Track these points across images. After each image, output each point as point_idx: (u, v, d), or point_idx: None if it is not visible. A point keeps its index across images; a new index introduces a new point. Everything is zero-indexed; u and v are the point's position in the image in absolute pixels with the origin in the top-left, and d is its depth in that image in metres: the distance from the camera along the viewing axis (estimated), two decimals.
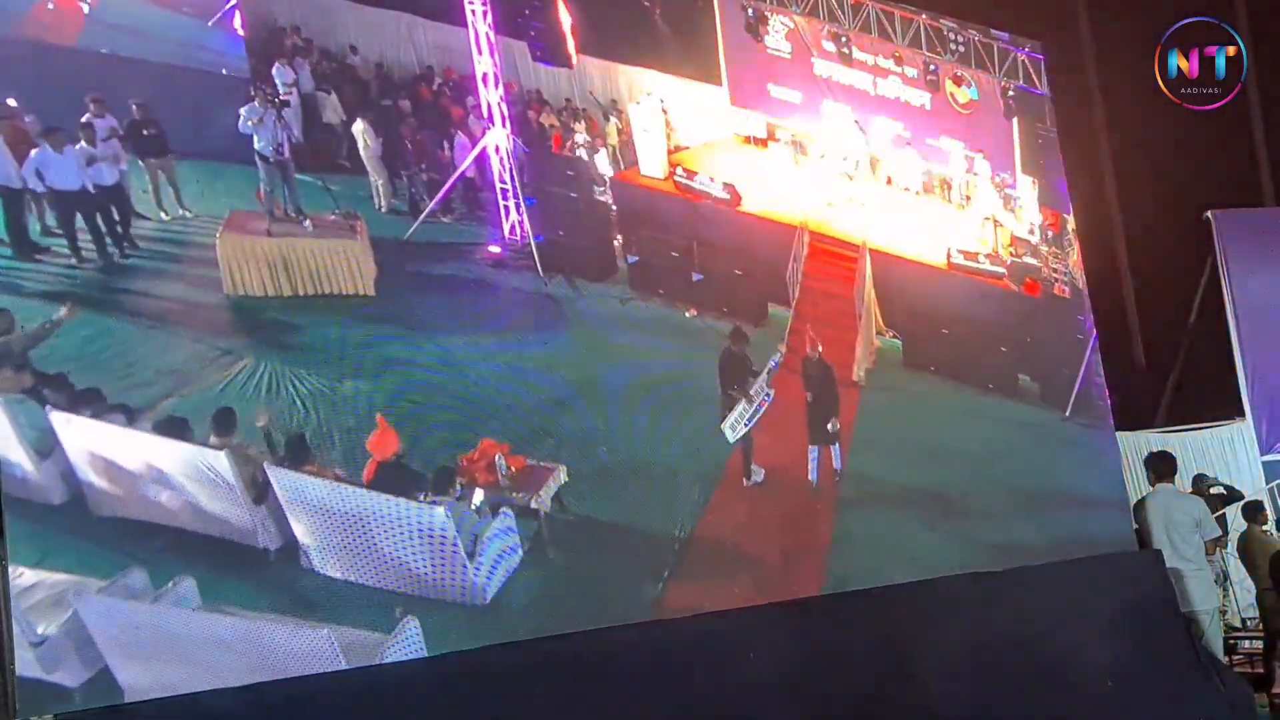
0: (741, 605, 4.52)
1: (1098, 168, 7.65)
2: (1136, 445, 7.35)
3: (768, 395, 5.85)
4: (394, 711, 3.33)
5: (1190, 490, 6.85)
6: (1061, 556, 6.52)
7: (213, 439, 3.71)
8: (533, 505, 4.63)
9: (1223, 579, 6.59)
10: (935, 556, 6.12)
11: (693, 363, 5.72)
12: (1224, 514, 6.92)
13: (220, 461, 3.70)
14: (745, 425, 5.70)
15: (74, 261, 3.46)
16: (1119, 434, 6.61)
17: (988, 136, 7.79)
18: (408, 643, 3.84)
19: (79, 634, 3.18)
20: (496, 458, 4.61)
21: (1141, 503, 5.84)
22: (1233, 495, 7.05)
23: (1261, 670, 7.04)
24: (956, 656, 4.56)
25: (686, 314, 5.85)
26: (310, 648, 3.49)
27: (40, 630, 3.13)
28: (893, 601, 4.84)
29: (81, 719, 2.95)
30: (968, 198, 8.07)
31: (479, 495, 4.41)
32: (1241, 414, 7.72)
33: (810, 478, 5.59)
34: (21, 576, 3.17)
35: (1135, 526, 6.06)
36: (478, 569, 4.21)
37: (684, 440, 5.41)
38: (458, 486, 4.35)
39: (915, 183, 8.01)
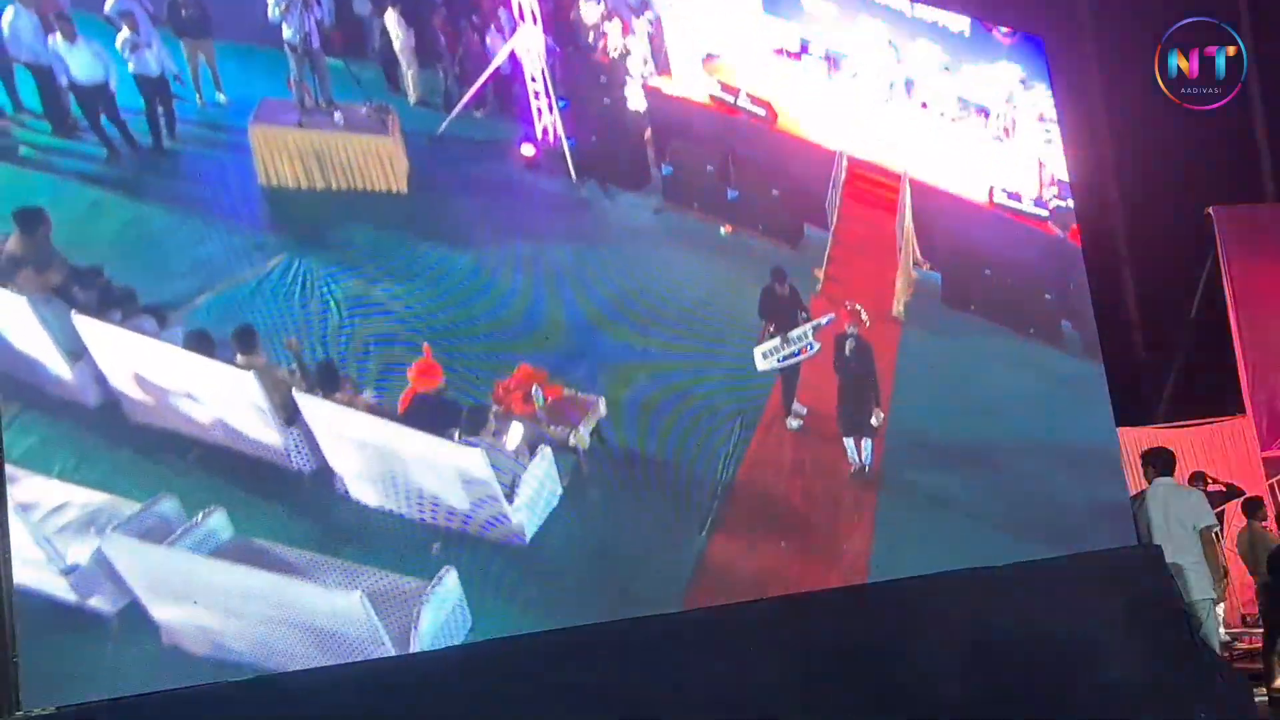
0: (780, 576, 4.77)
1: (1099, 164, 8.15)
2: (1137, 441, 7.90)
3: (811, 345, 6.14)
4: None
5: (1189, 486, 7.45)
6: (1104, 518, 7.09)
7: (239, 358, 3.82)
8: (571, 442, 4.84)
9: (1222, 574, 7.13)
10: (979, 512, 6.57)
11: (731, 285, 5.97)
12: (1223, 510, 7.61)
13: (249, 382, 3.82)
14: (778, 361, 5.98)
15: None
16: (1120, 430, 7.25)
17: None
18: (445, 597, 4.03)
19: (110, 564, 3.31)
20: (533, 389, 4.79)
21: (1140, 498, 6.38)
22: (1232, 492, 7.77)
23: (1260, 666, 7.74)
24: (955, 653, 4.92)
25: (722, 230, 6.10)
26: (342, 609, 3.65)
27: (70, 559, 3.24)
28: (891, 597, 5.21)
29: (87, 711, 2.99)
30: (1006, 130, 8.41)
31: (516, 432, 4.60)
32: (1242, 410, 8.37)
33: (860, 460, 5.92)
34: (52, 494, 3.28)
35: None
36: (516, 510, 4.41)
37: (724, 369, 5.68)
38: (493, 421, 4.52)
39: (951, 109, 8.31)
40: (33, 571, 3.17)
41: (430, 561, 4.07)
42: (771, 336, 5.98)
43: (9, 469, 3.18)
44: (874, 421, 6.24)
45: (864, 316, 6.30)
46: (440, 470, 4.24)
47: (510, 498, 4.42)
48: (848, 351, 6.20)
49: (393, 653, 3.73)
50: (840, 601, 5.04)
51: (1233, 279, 8.62)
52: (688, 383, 5.44)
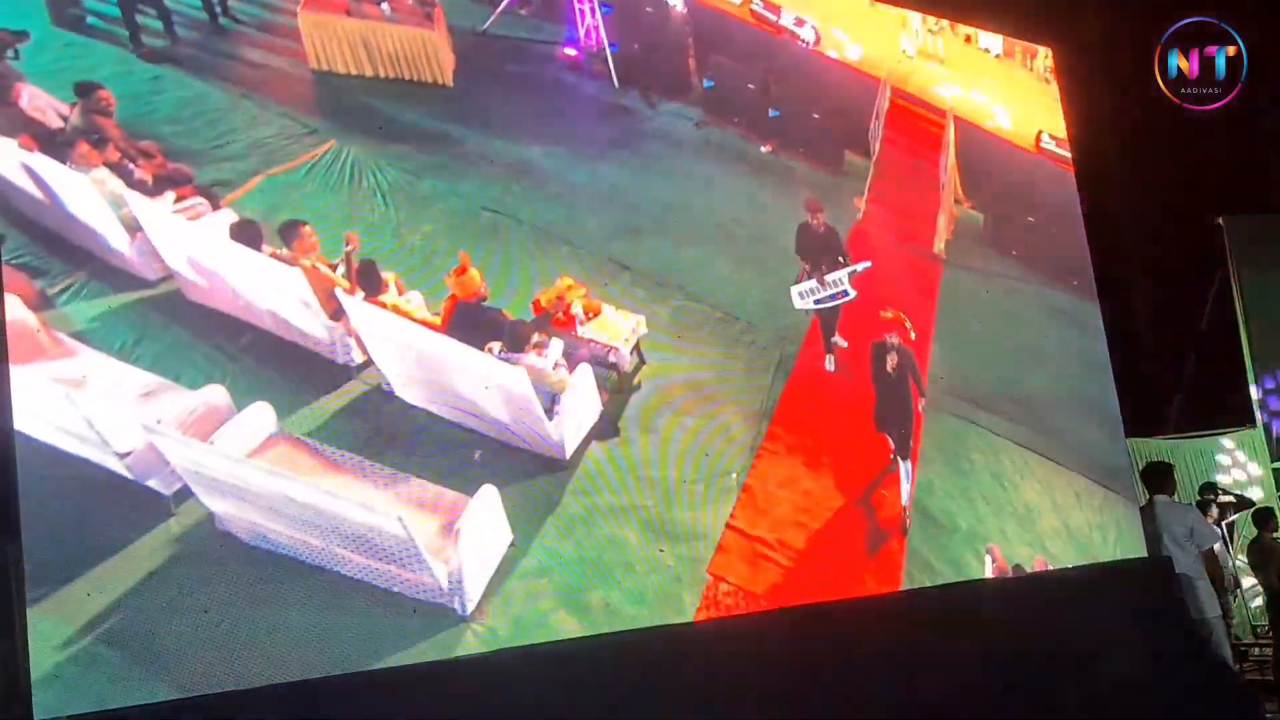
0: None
1: (1108, 172, 8.54)
2: (1146, 452, 8.43)
3: (846, 291, 6.45)
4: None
5: (1199, 498, 7.99)
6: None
7: (285, 251, 4.11)
8: (611, 359, 5.15)
9: (1233, 586, 7.52)
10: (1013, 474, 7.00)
11: (773, 208, 6.29)
12: (1234, 521, 8.09)
13: (295, 277, 4.11)
14: (814, 303, 6.29)
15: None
16: (1129, 441, 7.68)
17: None
18: (487, 508, 4.34)
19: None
20: (574, 305, 5.09)
21: (1147, 510, 6.82)
22: (1242, 503, 8.16)
23: (1272, 677, 8.11)
24: (965, 664, 5.18)
25: (763, 149, 6.40)
26: (381, 526, 3.96)
27: (126, 443, 3.54)
28: (901, 609, 5.57)
29: None
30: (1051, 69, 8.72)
31: (556, 348, 4.90)
32: (1252, 421, 8.80)
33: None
34: (112, 372, 3.57)
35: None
36: (556, 427, 4.72)
37: (763, 295, 6.01)
38: (534, 336, 4.82)
39: (996, 45, 8.61)
40: (95, 450, 3.47)
41: (471, 469, 4.37)
42: (809, 277, 6.30)
43: (73, 342, 3.48)
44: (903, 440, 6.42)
45: (909, 326, 6.58)
46: (481, 380, 4.54)
47: (550, 414, 4.73)
48: (889, 367, 6.36)
49: (429, 569, 4.02)
50: (857, 612, 5.34)
51: (1243, 290, 9.07)
52: (727, 304, 5.76)
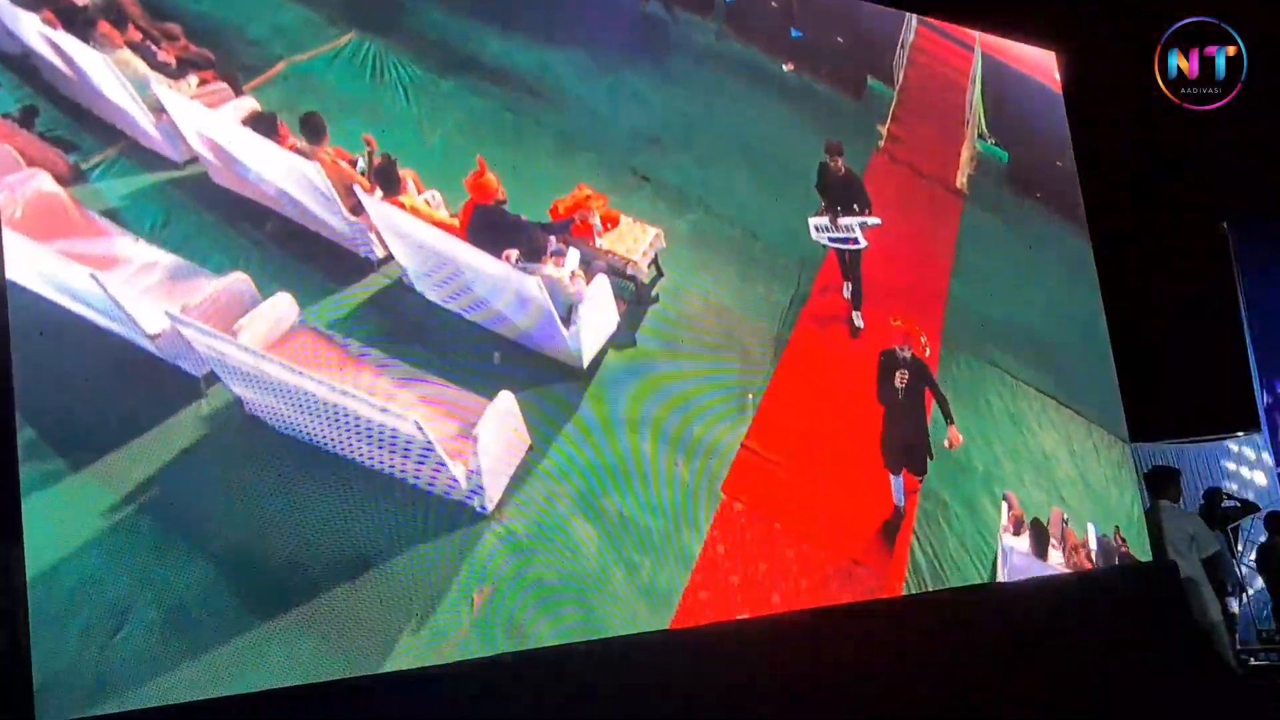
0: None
1: (1112, 176, 8.93)
2: (1150, 456, 8.84)
3: (856, 239, 6.79)
4: None
5: (1203, 504, 8.36)
6: None
7: (305, 144, 4.41)
8: (629, 272, 5.48)
9: (1238, 590, 7.96)
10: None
11: (793, 130, 6.62)
12: (1239, 526, 8.48)
13: (313, 170, 4.41)
14: (827, 240, 6.63)
15: None
16: (1133, 445, 8.04)
17: None
18: (505, 412, 4.67)
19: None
20: (592, 215, 5.40)
21: (1147, 517, 7.24)
22: (1247, 508, 8.52)
23: None
24: (970, 668, 5.48)
25: (785, 67, 6.72)
26: (398, 427, 4.27)
27: (155, 325, 3.85)
28: (905, 612, 5.80)
29: None
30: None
31: (573, 257, 5.22)
32: (1257, 426, 9.24)
33: (896, 502, 6.25)
34: (141, 253, 3.88)
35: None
36: (574, 336, 5.05)
37: (784, 218, 6.34)
38: (551, 244, 5.14)
39: None
40: (125, 329, 3.78)
41: (491, 370, 4.70)
42: (825, 213, 6.64)
43: (105, 221, 3.78)
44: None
45: (924, 342, 6.78)
46: (498, 286, 4.86)
47: (567, 323, 5.05)
48: (897, 382, 6.53)
49: (448, 469, 4.35)
50: (859, 615, 5.56)
51: (1247, 294, 9.59)
52: (747, 223, 6.09)
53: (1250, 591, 8.43)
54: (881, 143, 7.50)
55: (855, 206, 6.86)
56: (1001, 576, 6.62)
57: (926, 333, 7.07)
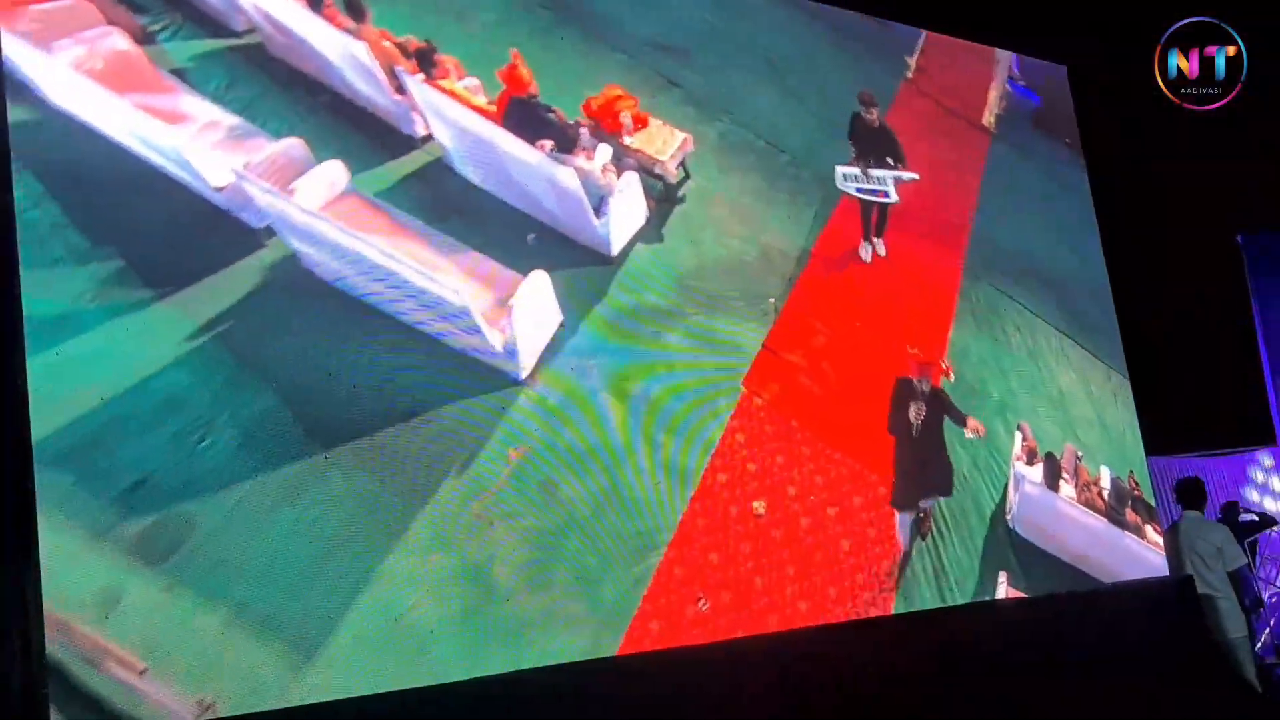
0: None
1: (1124, 188, 9.44)
2: (1166, 470, 9.15)
3: (887, 193, 7.39)
4: None
5: (1220, 518, 8.51)
6: None
7: (350, 23, 5.03)
8: (657, 171, 6.09)
9: (1256, 605, 7.98)
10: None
11: (819, 52, 7.25)
12: (1256, 540, 8.75)
13: (362, 50, 5.02)
14: (855, 190, 7.24)
15: None
16: (1150, 458, 8.51)
17: None
18: (538, 289, 5.28)
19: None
20: (623, 114, 6.02)
21: (1174, 529, 7.47)
22: (1265, 521, 8.83)
23: None
24: (985, 685, 5.79)
25: None
26: (442, 295, 4.88)
27: (218, 178, 4.46)
28: (921, 628, 6.13)
29: None
30: None
31: (604, 153, 5.83)
32: (1273, 439, 9.61)
33: (901, 543, 6.48)
34: (206, 112, 4.49)
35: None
36: (603, 226, 5.67)
37: (808, 134, 6.97)
38: (584, 139, 5.75)
39: None
40: (191, 180, 4.39)
41: (525, 250, 5.32)
42: (856, 163, 7.25)
43: (172, 79, 4.39)
44: (922, 504, 6.76)
45: (946, 365, 7.18)
46: (533, 173, 5.47)
47: (598, 213, 5.67)
48: (911, 416, 6.86)
49: (485, 335, 4.96)
50: (871, 632, 5.90)
51: (1263, 307, 9.92)
52: (771, 137, 6.71)
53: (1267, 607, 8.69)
54: (909, 74, 8.12)
55: (888, 159, 7.46)
56: (1012, 502, 7.23)
57: (948, 259, 7.70)
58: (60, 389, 3.79)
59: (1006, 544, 7.03)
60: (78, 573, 3.63)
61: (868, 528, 6.14)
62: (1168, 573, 7.58)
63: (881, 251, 7.27)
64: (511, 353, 5.02)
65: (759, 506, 5.67)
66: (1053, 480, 7.63)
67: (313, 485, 4.21)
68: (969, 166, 8.39)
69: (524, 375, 5.06)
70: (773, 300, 6.37)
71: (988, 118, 8.74)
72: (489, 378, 4.95)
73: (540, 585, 4.70)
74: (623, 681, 4.73)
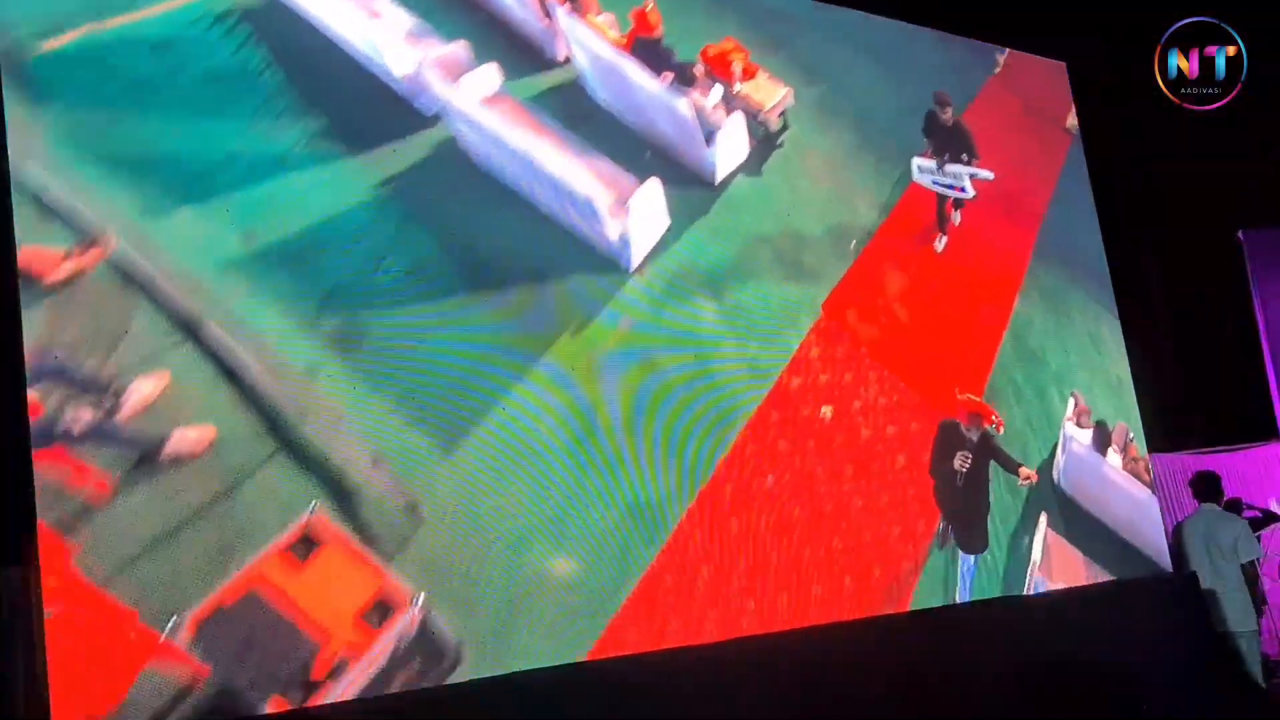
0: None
1: (1127, 185, 9.90)
2: (1170, 467, 9.33)
3: (964, 188, 8.22)
4: None
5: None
6: None
7: None
8: (760, 117, 7.07)
9: (1261, 602, 8.32)
10: None
11: (919, 39, 8.22)
12: (1259, 537, 8.57)
13: None
14: (929, 182, 8.12)
15: None
16: (1153, 456, 8.84)
17: None
18: (652, 195, 6.25)
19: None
20: (735, 64, 7.01)
21: (1181, 525, 7.74)
22: (1269, 517, 8.95)
23: None
24: (989, 684, 6.02)
25: None
26: (573, 186, 5.88)
27: (401, 68, 5.51)
28: (924, 627, 6.39)
29: None
30: None
31: (716, 93, 6.82)
32: (1276, 435, 9.85)
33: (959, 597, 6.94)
34: (392, 11, 5.56)
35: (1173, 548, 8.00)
36: (711, 154, 6.65)
37: (896, 109, 7.91)
38: (700, 79, 6.75)
39: None
40: (377, 66, 5.45)
41: (642, 164, 6.30)
42: (931, 157, 8.14)
43: None
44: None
45: (996, 419, 7.58)
46: (654, 101, 6.47)
47: (707, 143, 6.66)
48: (958, 465, 7.21)
49: (605, 227, 5.94)
50: (880, 630, 6.20)
51: (1264, 304, 10.17)
52: (866, 104, 7.69)
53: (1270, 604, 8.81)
54: (998, 70, 9.04)
55: (964, 156, 8.29)
56: (1059, 462, 8.03)
57: (1021, 238, 8.55)
58: (278, 212, 4.85)
59: (1050, 494, 7.83)
60: (289, 350, 4.67)
61: (922, 451, 7.00)
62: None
63: (957, 221, 8.12)
64: (625, 243, 5.99)
65: (827, 411, 6.56)
66: (1101, 447, 8.40)
67: (459, 316, 5.23)
68: (1049, 161, 9.23)
69: (633, 266, 6.03)
70: (854, 243, 7.29)
71: (1071, 121, 9.56)
72: (604, 263, 5.93)
73: (635, 459, 5.64)
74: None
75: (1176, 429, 9.57)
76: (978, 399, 7.48)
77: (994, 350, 7.88)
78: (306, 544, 4.11)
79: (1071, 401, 8.35)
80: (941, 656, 5.95)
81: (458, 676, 4.45)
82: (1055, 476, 7.92)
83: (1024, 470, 7.42)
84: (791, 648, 5.60)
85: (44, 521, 3.81)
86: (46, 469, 3.91)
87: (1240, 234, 10.14)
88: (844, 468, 6.44)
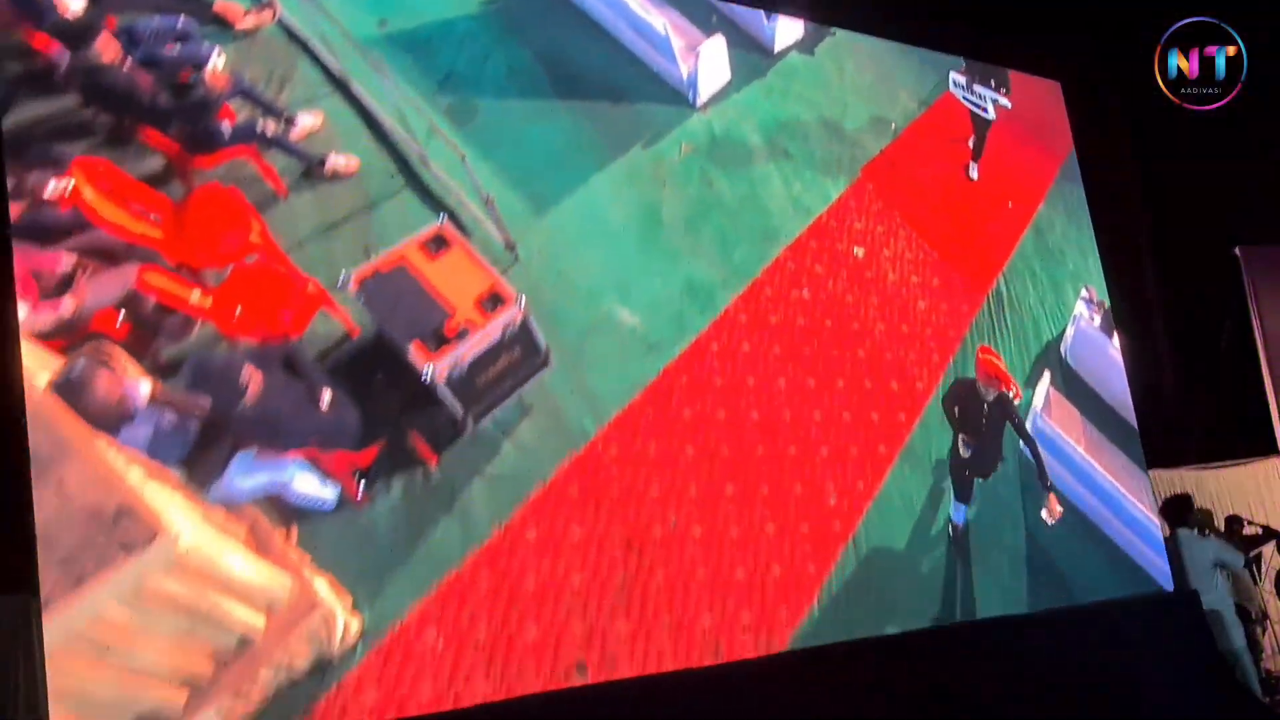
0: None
1: (1124, 201, 10.13)
2: (1170, 482, 9.37)
3: (987, 110, 9.13)
4: None
5: (1224, 530, 8.84)
6: None
7: None
8: None
9: (1261, 617, 8.41)
10: None
11: None
12: (1260, 554, 8.98)
13: None
14: (962, 97, 9.16)
15: None
16: (1151, 472, 9.04)
17: None
18: (718, 48, 7.45)
19: None
20: None
21: (1167, 544, 8.12)
22: (1269, 533, 8.93)
23: None
24: (993, 701, 6.20)
25: None
26: (652, 24, 7.11)
27: None
28: (925, 646, 6.55)
29: None
30: None
31: None
32: (1275, 450, 9.83)
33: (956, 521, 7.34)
34: None
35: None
36: (770, 28, 7.85)
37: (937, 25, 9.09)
38: None
39: None
40: None
41: (709, 28, 7.51)
42: (964, 74, 9.17)
43: None
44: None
45: (1016, 389, 7.96)
46: None
47: (768, 17, 7.87)
48: (957, 412, 7.62)
49: (677, 65, 7.14)
50: (878, 648, 6.36)
51: (1262, 320, 10.15)
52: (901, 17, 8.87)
53: (1272, 618, 8.78)
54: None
55: (992, 82, 9.29)
56: (1068, 338, 9.06)
57: (1033, 189, 9.58)
58: (406, 8, 6.10)
59: (1057, 364, 8.90)
60: (413, 115, 5.89)
61: (941, 301, 8.13)
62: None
63: (974, 175, 9.11)
64: (692, 82, 7.20)
65: (859, 251, 7.72)
66: (1108, 330, 9.40)
67: (549, 115, 6.46)
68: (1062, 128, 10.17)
69: (699, 103, 7.24)
70: (894, 125, 8.47)
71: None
72: (673, 95, 7.13)
73: (692, 250, 6.82)
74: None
75: (1175, 444, 9.68)
76: (999, 362, 7.98)
77: (1016, 238, 8.97)
78: (438, 242, 5.30)
79: (1084, 291, 9.35)
80: (938, 676, 6.35)
81: (546, 374, 5.61)
82: (1063, 350, 8.92)
83: (1051, 500, 7.74)
84: (791, 666, 5.94)
85: (242, 194, 5.04)
86: (242, 163, 5.17)
87: (1237, 250, 10.16)
88: (870, 298, 7.57)
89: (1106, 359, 9.14)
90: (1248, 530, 8.82)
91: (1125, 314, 9.49)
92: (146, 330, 4.48)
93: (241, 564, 4.17)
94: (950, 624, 6.77)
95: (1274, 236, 10.05)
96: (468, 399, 5.12)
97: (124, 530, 3.72)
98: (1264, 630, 8.36)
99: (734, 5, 7.62)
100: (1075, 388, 8.84)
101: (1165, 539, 8.39)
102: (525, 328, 5.31)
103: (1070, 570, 7.72)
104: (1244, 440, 9.80)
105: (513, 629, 5.03)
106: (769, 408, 6.48)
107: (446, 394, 4.99)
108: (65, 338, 4.20)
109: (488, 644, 4.94)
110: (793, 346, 6.89)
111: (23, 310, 4.09)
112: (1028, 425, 7.97)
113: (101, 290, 4.35)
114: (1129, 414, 9.08)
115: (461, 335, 5.00)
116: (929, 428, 7.34)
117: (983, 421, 7.51)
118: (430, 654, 4.75)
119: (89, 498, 3.75)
